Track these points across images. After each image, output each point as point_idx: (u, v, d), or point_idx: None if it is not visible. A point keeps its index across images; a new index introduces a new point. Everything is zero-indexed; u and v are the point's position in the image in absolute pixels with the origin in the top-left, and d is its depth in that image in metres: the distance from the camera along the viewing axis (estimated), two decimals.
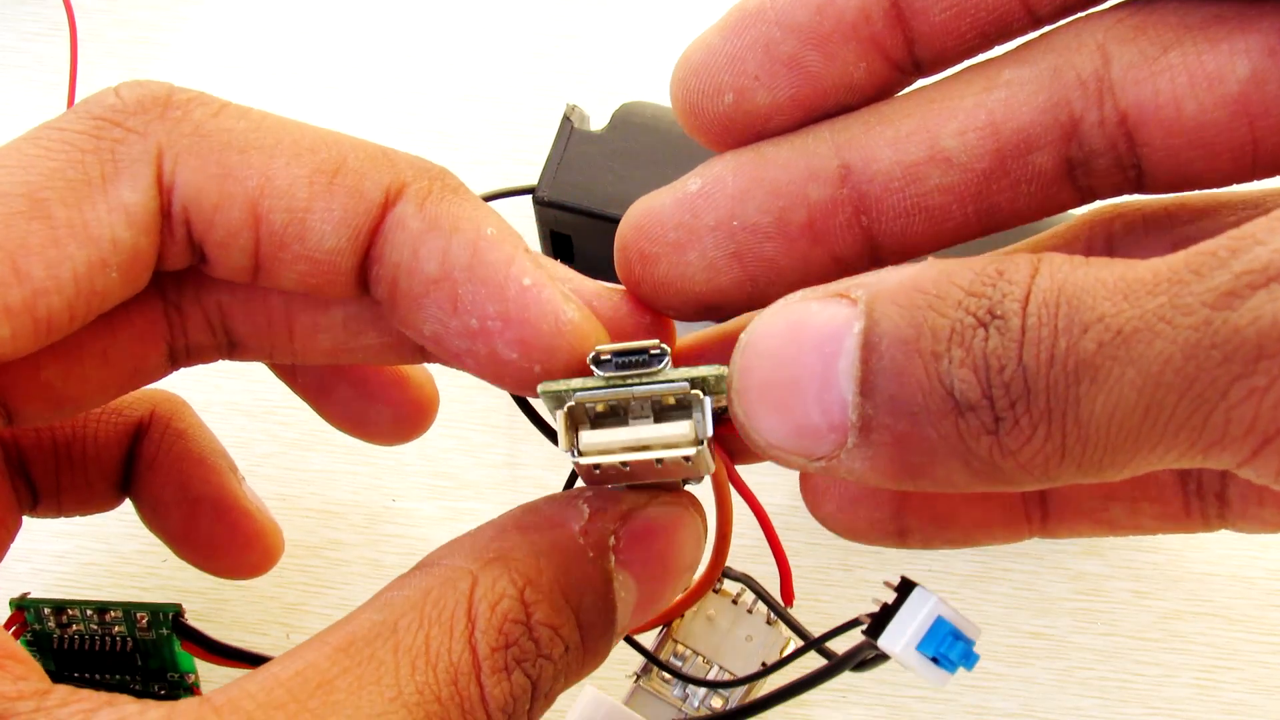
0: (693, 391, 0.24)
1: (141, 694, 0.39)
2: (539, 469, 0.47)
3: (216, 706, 0.22)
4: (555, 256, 0.49)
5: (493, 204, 0.48)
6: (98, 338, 0.27)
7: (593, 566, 0.25)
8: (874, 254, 0.26)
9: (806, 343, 0.21)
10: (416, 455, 0.47)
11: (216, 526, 0.36)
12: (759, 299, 0.26)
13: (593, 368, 0.25)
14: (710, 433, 0.24)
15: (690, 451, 0.24)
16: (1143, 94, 0.23)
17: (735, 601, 0.40)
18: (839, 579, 0.44)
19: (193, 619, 0.38)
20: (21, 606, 0.38)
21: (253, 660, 0.37)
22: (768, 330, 0.22)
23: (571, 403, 0.24)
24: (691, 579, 0.27)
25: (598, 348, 0.25)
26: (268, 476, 0.46)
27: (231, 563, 0.37)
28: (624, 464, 0.25)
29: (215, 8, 0.58)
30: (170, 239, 0.26)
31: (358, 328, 0.28)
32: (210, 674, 0.40)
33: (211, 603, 0.43)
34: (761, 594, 0.39)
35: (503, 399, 0.48)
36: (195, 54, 0.56)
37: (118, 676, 0.39)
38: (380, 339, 0.28)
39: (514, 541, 0.25)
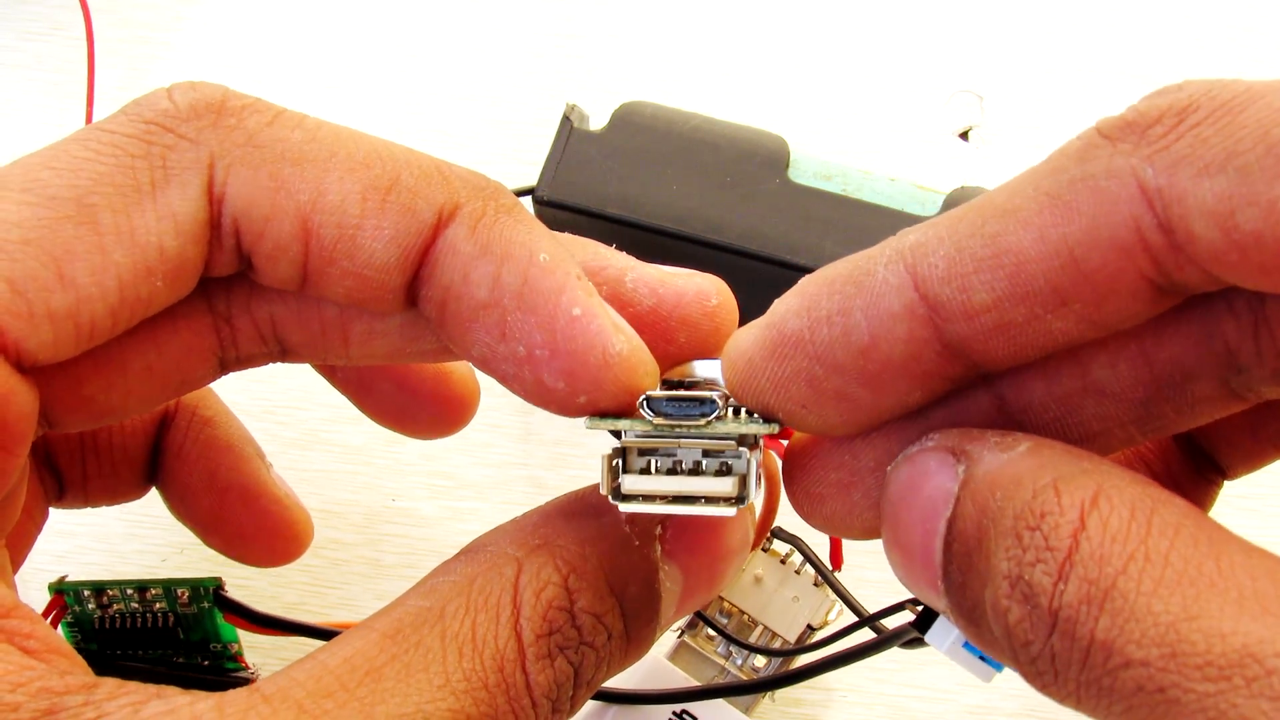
0: (739, 449, 0.24)
1: (184, 666, 0.40)
2: (539, 469, 0.47)
3: (266, 695, 0.22)
4: None
5: None
6: (143, 353, 0.27)
7: (638, 556, 0.25)
8: None
9: (914, 510, 0.22)
10: (416, 455, 0.47)
11: (245, 514, 0.36)
12: None
13: (643, 410, 0.24)
14: (754, 495, 0.24)
15: (731, 512, 0.24)
16: None
17: (783, 562, 0.40)
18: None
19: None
20: (60, 590, 0.38)
21: (294, 629, 0.37)
22: (896, 476, 0.22)
23: (619, 444, 0.24)
24: (738, 570, 0.27)
25: (649, 393, 0.24)
26: None
27: (261, 550, 0.37)
28: (665, 515, 0.25)
29: (214, 8, 0.58)
30: (218, 248, 0.25)
31: (415, 333, 0.28)
32: (252, 642, 0.40)
33: None
34: (810, 557, 0.39)
35: (504, 399, 0.48)
36: (195, 54, 0.56)
37: (159, 651, 0.40)
38: (438, 343, 0.28)
39: (560, 528, 0.25)
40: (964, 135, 0.54)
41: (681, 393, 0.24)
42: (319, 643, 0.36)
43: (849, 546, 0.40)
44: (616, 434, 0.25)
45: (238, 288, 0.28)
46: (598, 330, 0.24)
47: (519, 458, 0.47)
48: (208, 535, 0.37)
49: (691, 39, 0.56)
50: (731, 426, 0.24)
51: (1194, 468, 0.26)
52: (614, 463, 0.24)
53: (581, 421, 0.44)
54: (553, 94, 0.55)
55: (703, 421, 0.24)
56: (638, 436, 0.24)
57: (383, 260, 0.25)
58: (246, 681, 0.40)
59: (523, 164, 0.52)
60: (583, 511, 0.25)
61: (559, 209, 0.46)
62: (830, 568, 0.39)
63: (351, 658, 0.22)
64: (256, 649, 0.41)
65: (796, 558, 0.40)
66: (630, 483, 0.24)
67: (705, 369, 0.27)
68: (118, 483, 0.36)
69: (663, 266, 0.28)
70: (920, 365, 0.22)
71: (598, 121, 0.47)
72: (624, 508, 0.24)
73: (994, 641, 0.21)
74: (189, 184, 0.24)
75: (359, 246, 0.25)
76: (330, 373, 0.35)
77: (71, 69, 0.55)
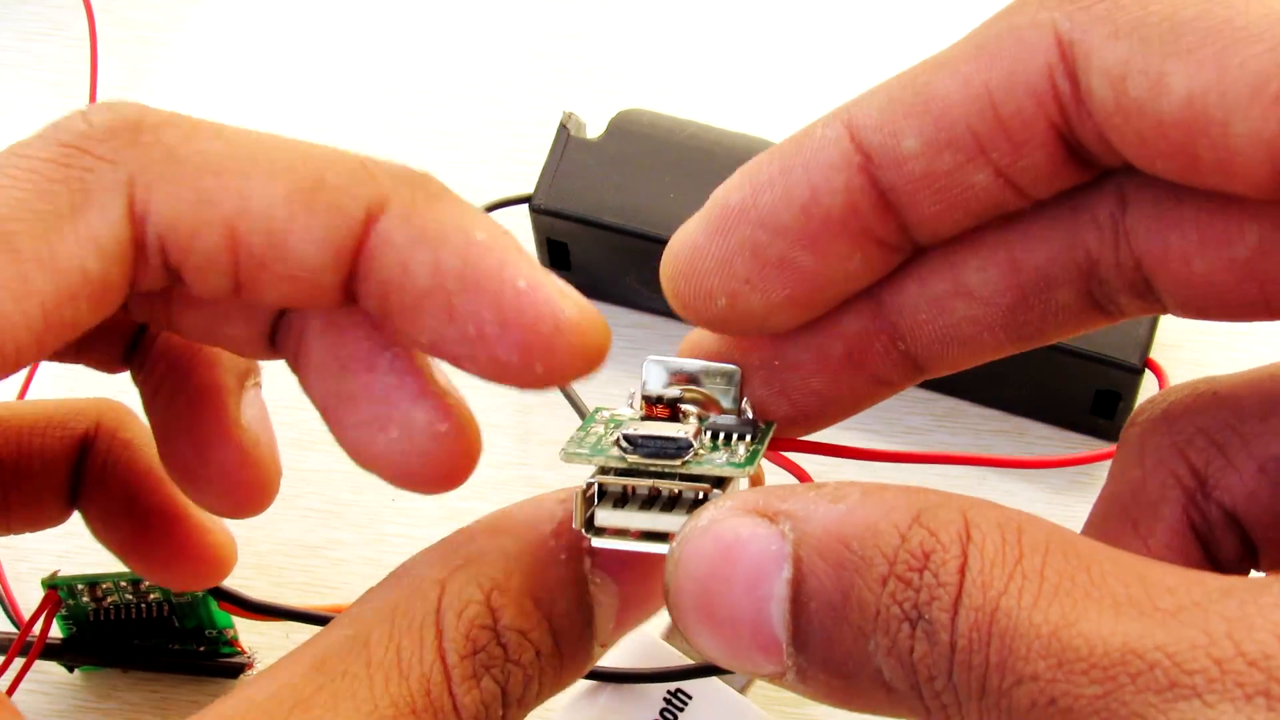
0: (714, 491, 0.24)
1: (180, 654, 0.41)
2: (539, 469, 0.47)
3: None
4: (552, 264, 0.49)
5: (492, 214, 0.48)
6: None
7: (565, 570, 0.25)
8: (918, 374, 0.26)
9: (737, 578, 0.22)
10: None
11: (164, 540, 0.35)
12: (809, 429, 0.27)
13: (618, 445, 0.24)
14: None
15: None
16: (1154, 244, 0.23)
17: None
18: None
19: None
20: (54, 585, 0.39)
21: (288, 615, 0.38)
22: (697, 552, 0.22)
23: (592, 479, 0.24)
24: None
25: (626, 432, 0.24)
26: None
27: (181, 576, 0.36)
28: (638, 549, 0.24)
29: (214, 7, 0.58)
30: (144, 266, 0.25)
31: (228, 315, 0.27)
32: (246, 627, 0.41)
33: None
34: None
35: (504, 399, 0.48)
36: (195, 53, 0.57)
37: (155, 640, 0.40)
38: (246, 330, 0.28)
39: (483, 546, 0.24)
40: None
41: (658, 431, 0.24)
42: (312, 628, 0.37)
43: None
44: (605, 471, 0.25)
45: None
46: (546, 299, 0.24)
47: (518, 458, 0.47)
48: (129, 559, 0.36)
49: (689, 41, 0.56)
50: (707, 468, 0.24)
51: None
52: (589, 494, 0.24)
53: (578, 421, 0.44)
54: (552, 94, 0.55)
55: (678, 462, 0.24)
56: (613, 476, 0.24)
57: (315, 261, 0.24)
58: (243, 666, 0.41)
59: (522, 164, 0.52)
60: (508, 528, 0.25)
61: (556, 217, 0.46)
62: None
63: (279, 691, 0.22)
64: (253, 635, 0.42)
65: (820, 481, 0.40)
66: (604, 516, 0.24)
67: (718, 383, 0.26)
68: (41, 509, 0.35)
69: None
70: (858, 219, 0.24)
71: (596, 124, 0.48)
72: (596, 542, 0.24)
73: (871, 691, 0.21)
74: (109, 206, 0.24)
75: (289, 250, 0.24)
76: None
77: (71, 69, 0.56)
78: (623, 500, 0.24)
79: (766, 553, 0.21)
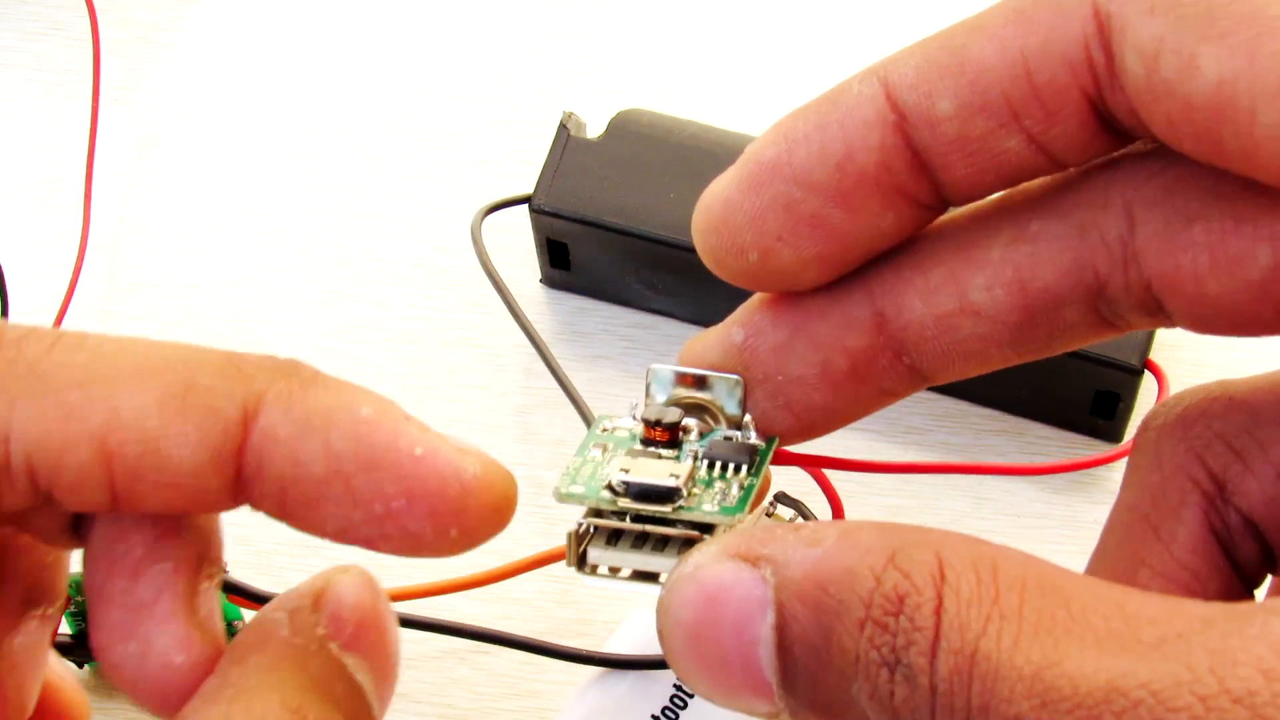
0: (703, 538, 0.24)
1: None
2: (538, 468, 0.47)
3: None
4: (552, 265, 0.50)
5: (492, 215, 0.49)
6: None
7: (322, 658, 0.24)
8: (922, 383, 0.26)
9: (724, 623, 0.22)
10: None
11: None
12: (811, 438, 0.27)
13: (609, 488, 0.24)
14: None
15: None
16: (1165, 267, 0.23)
17: None
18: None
19: None
20: None
21: None
22: (683, 599, 0.22)
23: (582, 521, 0.24)
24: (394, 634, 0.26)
25: (623, 479, 0.24)
26: None
27: None
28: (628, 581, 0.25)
29: (214, 7, 0.58)
30: (9, 489, 0.23)
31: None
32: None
33: None
34: (811, 520, 0.39)
35: (504, 398, 0.49)
36: (195, 54, 0.57)
37: None
38: (53, 515, 0.26)
39: (240, 676, 0.24)
40: None
41: (647, 479, 0.24)
42: None
43: (850, 506, 0.40)
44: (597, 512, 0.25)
45: None
46: (446, 461, 0.23)
47: (518, 457, 0.47)
48: None
49: (689, 41, 0.57)
50: (697, 514, 0.24)
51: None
52: (582, 531, 0.24)
53: (578, 421, 0.44)
54: (552, 94, 0.55)
55: (668, 508, 0.24)
56: (606, 519, 0.24)
57: (194, 465, 0.23)
58: None
59: (523, 164, 0.52)
60: (248, 653, 0.24)
61: (556, 218, 0.46)
62: None
63: None
64: None
65: (800, 522, 0.40)
66: (596, 554, 0.24)
67: (721, 390, 0.26)
68: None
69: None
70: (890, 177, 0.23)
71: (595, 128, 0.48)
72: (588, 581, 0.24)
73: None
74: None
75: (166, 457, 0.23)
76: None
77: (71, 69, 0.56)
78: (615, 537, 0.24)
79: (750, 598, 0.21)
